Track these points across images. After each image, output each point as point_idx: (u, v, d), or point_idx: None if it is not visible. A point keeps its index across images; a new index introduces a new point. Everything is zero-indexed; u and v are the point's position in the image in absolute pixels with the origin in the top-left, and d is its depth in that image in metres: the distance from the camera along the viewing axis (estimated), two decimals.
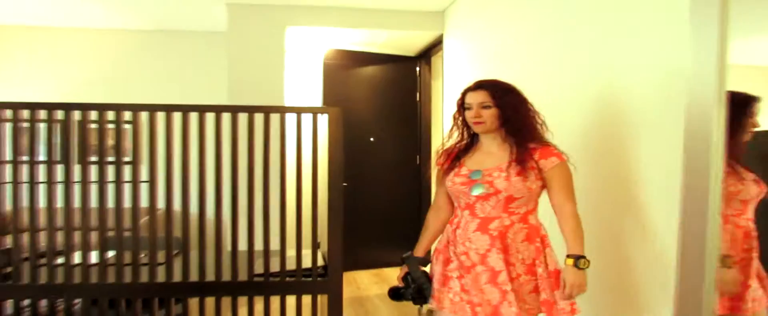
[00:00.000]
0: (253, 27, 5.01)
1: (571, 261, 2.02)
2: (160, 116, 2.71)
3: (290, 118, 2.84)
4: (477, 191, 2.11)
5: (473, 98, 2.17)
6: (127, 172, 2.73)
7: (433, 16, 5.19)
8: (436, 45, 5.62)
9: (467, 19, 4.57)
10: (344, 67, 5.83)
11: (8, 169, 2.64)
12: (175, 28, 5.90)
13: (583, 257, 2.03)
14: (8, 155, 2.65)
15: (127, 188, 2.73)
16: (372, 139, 5.82)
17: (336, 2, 4.96)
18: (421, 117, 6.13)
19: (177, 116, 2.70)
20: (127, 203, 2.72)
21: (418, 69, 6.13)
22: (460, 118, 2.26)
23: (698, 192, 1.87)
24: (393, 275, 5.61)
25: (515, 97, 2.19)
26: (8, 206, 2.65)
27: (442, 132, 5.72)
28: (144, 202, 2.76)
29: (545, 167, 2.12)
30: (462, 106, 2.23)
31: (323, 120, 3.20)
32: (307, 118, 2.81)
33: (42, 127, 2.65)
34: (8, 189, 2.62)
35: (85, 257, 2.65)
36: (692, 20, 1.92)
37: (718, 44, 1.76)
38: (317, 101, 5.72)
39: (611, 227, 2.63)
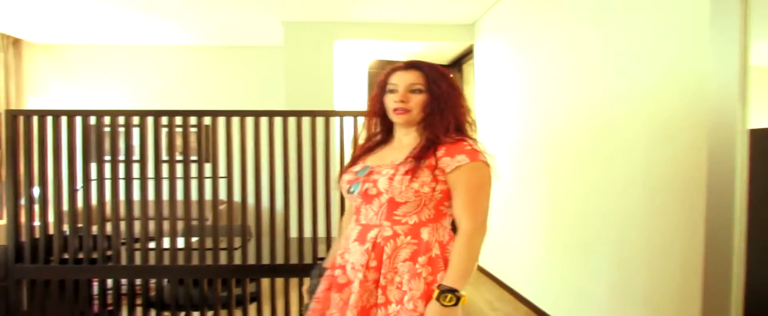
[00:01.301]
0: (306, 41, 5.10)
1: (435, 294, 1.39)
2: (235, 121, 2.78)
3: (345, 121, 2.89)
4: (353, 190, 1.53)
5: (402, 79, 1.52)
6: (206, 169, 2.81)
7: (464, 28, 5.20)
8: (466, 54, 5.63)
9: (496, 29, 4.57)
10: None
11: (107, 167, 2.74)
12: (238, 44, 6.03)
13: (454, 291, 1.38)
14: (107, 155, 2.75)
15: (207, 183, 2.81)
16: None
17: (378, 18, 5.01)
18: None
19: (249, 121, 2.77)
20: (207, 195, 2.80)
21: (451, 75, 6.14)
22: (377, 105, 1.59)
23: (723, 190, 1.82)
24: None
25: (450, 86, 1.54)
26: (108, 198, 2.75)
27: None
28: (222, 194, 2.83)
29: (447, 167, 1.45)
30: (383, 90, 1.57)
31: None
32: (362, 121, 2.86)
33: (135, 131, 2.75)
34: (108, 184, 2.72)
35: (172, 242, 2.74)
36: (713, 24, 1.89)
37: (739, 47, 1.73)
38: (362, 106, 5.77)
39: (639, 225, 2.61)
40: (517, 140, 4.14)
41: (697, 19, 2.06)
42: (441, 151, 1.46)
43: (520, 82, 4.07)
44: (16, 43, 5.84)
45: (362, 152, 1.62)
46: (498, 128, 4.59)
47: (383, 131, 1.63)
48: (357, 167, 1.58)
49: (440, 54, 5.85)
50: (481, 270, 5.04)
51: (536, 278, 3.81)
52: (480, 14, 4.89)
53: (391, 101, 1.53)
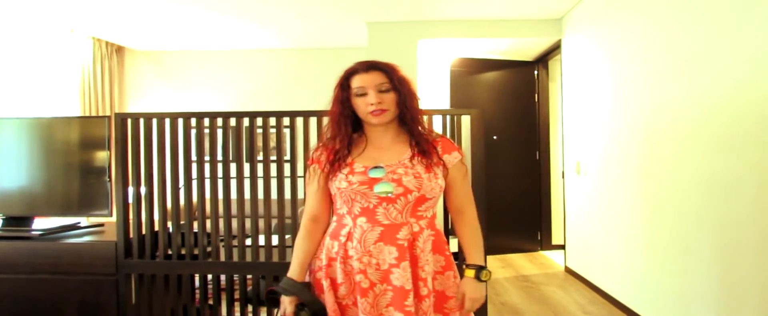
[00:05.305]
0: (390, 41, 5.09)
1: (471, 273, 1.57)
2: (312, 121, 2.77)
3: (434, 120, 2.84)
4: (381, 190, 1.53)
5: (367, 81, 1.58)
6: (286, 168, 2.82)
7: (551, 23, 5.03)
8: (553, 50, 5.44)
9: (587, 23, 4.37)
10: (468, 73, 5.79)
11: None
12: (324, 46, 6.12)
13: (485, 267, 1.59)
14: (206, 155, 2.84)
15: (287, 182, 2.82)
16: (495, 137, 5.73)
17: (462, 15, 4.93)
18: (539, 116, 5.97)
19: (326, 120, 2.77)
20: (287, 194, 2.81)
21: (536, 72, 5.97)
22: (344, 109, 1.64)
23: None
24: (516, 261, 5.49)
25: (409, 81, 1.64)
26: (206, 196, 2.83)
27: (560, 130, 5.53)
28: (300, 194, 2.82)
29: (450, 163, 1.63)
30: (347, 93, 1.63)
31: (465, 121, 3.17)
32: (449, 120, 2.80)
33: (219, 131, 2.81)
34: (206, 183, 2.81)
35: (267, 239, 2.79)
36: None
37: None
38: (445, 105, 5.72)
39: None
40: (610, 137, 3.94)
41: None
42: (439, 148, 1.62)
43: (614, 76, 3.87)
44: (120, 50, 6.21)
45: (345, 153, 1.62)
46: (588, 124, 4.40)
47: (349, 133, 1.65)
48: (359, 168, 1.58)
49: (525, 50, 5.69)
50: (569, 272, 4.86)
51: (631, 280, 3.61)
52: (568, 8, 4.70)
53: (365, 103, 1.57)
